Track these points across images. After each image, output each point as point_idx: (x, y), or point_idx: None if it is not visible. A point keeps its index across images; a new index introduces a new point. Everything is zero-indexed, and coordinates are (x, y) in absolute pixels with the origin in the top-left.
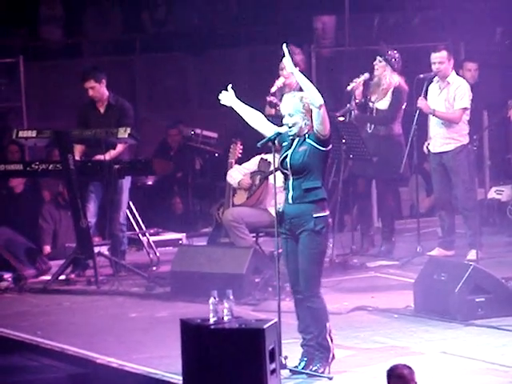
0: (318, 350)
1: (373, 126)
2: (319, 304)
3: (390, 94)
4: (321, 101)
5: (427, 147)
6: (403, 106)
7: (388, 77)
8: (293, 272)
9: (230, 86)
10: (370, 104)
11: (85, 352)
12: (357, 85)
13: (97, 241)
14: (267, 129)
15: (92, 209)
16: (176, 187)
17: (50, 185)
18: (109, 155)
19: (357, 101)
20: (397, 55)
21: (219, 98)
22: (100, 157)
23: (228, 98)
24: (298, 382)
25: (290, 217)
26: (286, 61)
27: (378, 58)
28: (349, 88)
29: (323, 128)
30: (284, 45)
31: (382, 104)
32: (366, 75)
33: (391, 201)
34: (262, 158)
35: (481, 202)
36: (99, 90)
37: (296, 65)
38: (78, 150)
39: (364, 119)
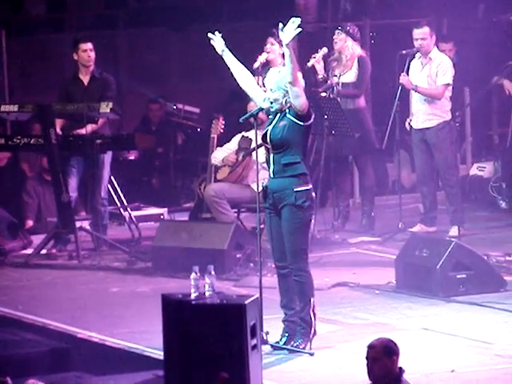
0: (300, 326)
1: (339, 100)
2: (306, 279)
3: (355, 64)
4: (293, 77)
5: (409, 123)
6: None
7: (350, 47)
8: (276, 247)
9: (217, 32)
10: (335, 78)
11: (66, 327)
12: (317, 60)
13: (82, 215)
14: (255, 91)
15: (73, 183)
16: (157, 162)
17: (30, 159)
18: (87, 129)
19: (320, 76)
20: (356, 28)
21: (210, 39)
22: (81, 131)
23: (218, 42)
24: (279, 358)
25: (272, 191)
26: (285, 31)
27: (337, 31)
28: (309, 64)
29: (299, 103)
30: (296, 19)
31: (349, 76)
32: (325, 49)
33: (370, 175)
34: (242, 136)
35: (463, 179)
36: (91, 54)
37: (279, 42)
38: (59, 123)
39: (341, 94)
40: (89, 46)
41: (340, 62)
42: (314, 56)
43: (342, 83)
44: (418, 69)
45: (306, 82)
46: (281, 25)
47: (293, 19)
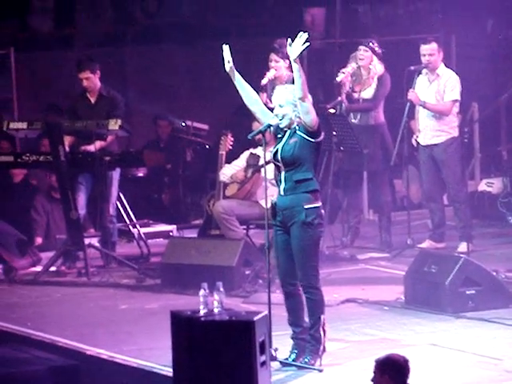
0: (310, 342)
1: (359, 115)
2: (317, 296)
3: (375, 81)
4: (306, 93)
5: (416, 140)
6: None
7: (375, 66)
8: (282, 265)
9: (227, 46)
10: (355, 94)
11: (75, 344)
12: (346, 75)
13: (91, 232)
14: (261, 111)
15: (82, 200)
16: (166, 179)
17: (39, 176)
18: (96, 146)
19: (345, 92)
20: (378, 44)
21: (224, 55)
22: (88, 147)
23: (227, 57)
24: (288, 375)
25: (281, 208)
26: (293, 46)
27: (363, 47)
28: (338, 79)
29: (309, 119)
30: (304, 34)
31: (368, 92)
32: (354, 65)
33: (387, 191)
34: (251, 153)
35: (471, 195)
36: (93, 80)
37: (287, 57)
38: (68, 140)
39: (353, 109)
40: (82, 75)
41: (359, 77)
42: (343, 71)
43: (363, 99)
44: (425, 85)
45: (314, 98)
46: (289, 40)
47: (300, 34)
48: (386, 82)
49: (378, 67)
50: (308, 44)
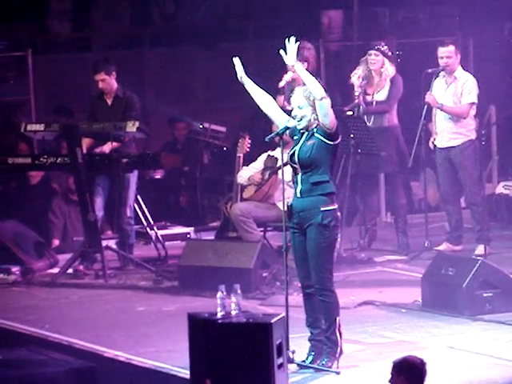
0: (326, 345)
1: (372, 118)
2: (331, 298)
3: (388, 83)
4: (322, 93)
5: (433, 142)
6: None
7: (387, 69)
8: (301, 266)
9: (237, 59)
10: (368, 97)
11: (92, 346)
12: (358, 76)
13: (108, 234)
14: (277, 114)
15: (99, 202)
16: (184, 181)
17: (59, 178)
18: (110, 147)
19: (356, 94)
20: (388, 47)
21: (236, 67)
22: (105, 148)
23: (238, 68)
24: (305, 377)
25: (298, 210)
26: (288, 52)
27: (374, 51)
28: (353, 79)
29: (328, 121)
30: (292, 37)
31: (382, 95)
32: (364, 67)
33: (402, 193)
34: (268, 155)
35: (489, 197)
36: (109, 82)
37: (306, 60)
38: (86, 142)
39: (370, 111)
40: (97, 77)
41: (371, 80)
42: (355, 72)
43: (376, 101)
44: (442, 87)
45: (331, 100)
46: (281, 51)
47: (289, 39)
48: (399, 83)
49: (389, 69)
50: (298, 43)
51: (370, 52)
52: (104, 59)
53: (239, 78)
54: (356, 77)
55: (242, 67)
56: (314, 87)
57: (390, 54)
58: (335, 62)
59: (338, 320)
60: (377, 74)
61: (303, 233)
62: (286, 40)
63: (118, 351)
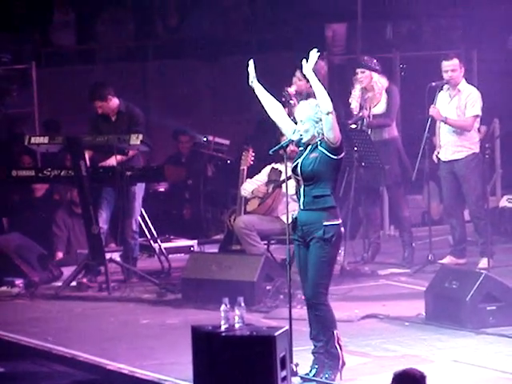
0: (328, 358)
1: (372, 131)
2: (325, 312)
3: (384, 95)
4: (330, 108)
5: (437, 156)
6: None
7: (378, 82)
8: (305, 279)
9: (252, 61)
10: (366, 112)
11: (96, 358)
12: (358, 98)
13: (112, 247)
14: (284, 122)
15: (104, 215)
16: (187, 194)
17: (61, 190)
18: (116, 160)
19: (365, 107)
20: (374, 59)
21: (249, 70)
22: (110, 162)
23: (251, 71)
24: None
25: (301, 223)
26: (309, 61)
27: (360, 70)
28: (353, 106)
29: (333, 135)
30: (314, 49)
31: (379, 108)
32: (359, 87)
33: (405, 206)
34: (272, 168)
35: (492, 211)
36: (107, 106)
37: (316, 71)
38: (87, 155)
39: (373, 125)
40: (96, 104)
41: (365, 95)
42: (353, 95)
43: (373, 115)
44: (446, 100)
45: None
46: (304, 60)
47: (313, 50)
48: (395, 93)
49: (380, 81)
50: (319, 53)
51: (357, 71)
52: (98, 85)
53: (250, 82)
54: (354, 102)
55: (254, 71)
56: (323, 100)
57: (376, 66)
58: (339, 75)
59: (336, 333)
60: (369, 90)
61: (306, 246)
62: (314, 50)
63: (121, 364)
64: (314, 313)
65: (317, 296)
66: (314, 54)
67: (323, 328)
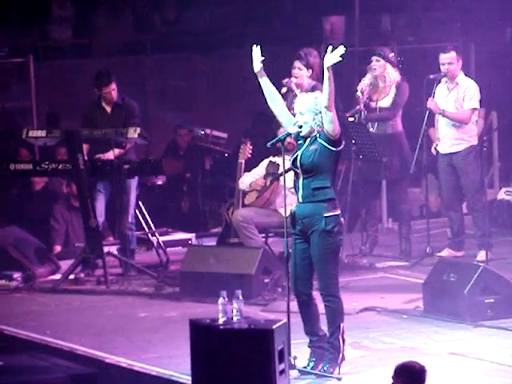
0: (328, 350)
1: (376, 124)
2: (336, 304)
3: (393, 90)
4: (330, 102)
5: (435, 148)
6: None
7: (390, 74)
8: (298, 274)
9: (258, 47)
10: (373, 104)
11: (94, 352)
12: (365, 87)
13: (109, 240)
14: (284, 115)
15: (100, 208)
16: (185, 187)
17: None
18: (114, 154)
19: (363, 101)
20: (393, 53)
21: (253, 55)
22: (107, 155)
23: (256, 58)
24: (306, 383)
25: (301, 217)
26: (332, 54)
27: (376, 57)
28: (359, 93)
29: (332, 128)
30: (341, 46)
31: (386, 101)
32: (369, 76)
33: (407, 199)
34: (270, 161)
35: (490, 203)
36: (115, 92)
37: (311, 67)
38: (84, 148)
39: (372, 118)
40: (110, 87)
41: (375, 87)
42: (361, 83)
43: (380, 108)
44: (444, 93)
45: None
46: (330, 47)
47: (341, 47)
48: (404, 90)
49: (393, 75)
50: (341, 59)
51: (372, 58)
52: (103, 70)
53: (255, 71)
54: (360, 90)
55: (260, 59)
56: (329, 94)
57: (392, 59)
58: (337, 68)
59: (342, 326)
60: (381, 80)
61: (306, 239)
62: (341, 46)
63: (119, 357)
64: (324, 304)
65: (329, 287)
66: (340, 50)
67: (331, 319)
